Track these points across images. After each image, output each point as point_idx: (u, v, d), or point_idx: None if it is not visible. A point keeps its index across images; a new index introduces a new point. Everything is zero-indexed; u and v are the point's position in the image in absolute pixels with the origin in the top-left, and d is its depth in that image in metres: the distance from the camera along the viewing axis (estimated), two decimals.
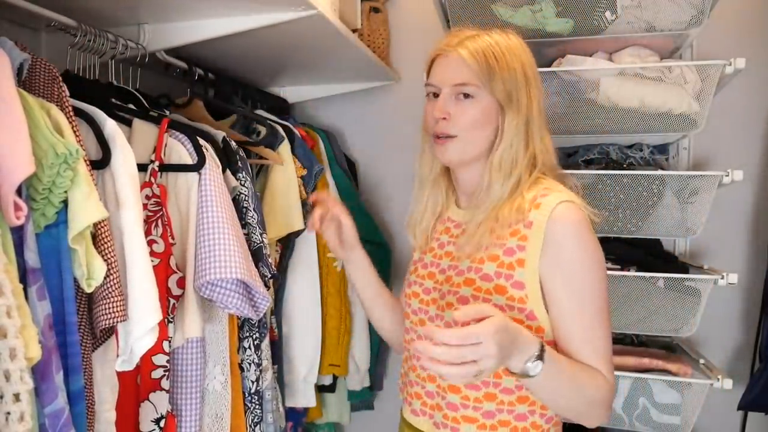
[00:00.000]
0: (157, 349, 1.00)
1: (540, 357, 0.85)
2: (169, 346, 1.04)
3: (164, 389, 1.03)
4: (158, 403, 1.02)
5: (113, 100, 1.14)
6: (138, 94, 1.23)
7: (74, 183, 0.78)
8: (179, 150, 1.10)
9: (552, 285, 0.97)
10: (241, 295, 1.08)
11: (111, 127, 0.94)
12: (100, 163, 0.92)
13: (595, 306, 0.97)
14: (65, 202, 0.78)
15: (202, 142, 1.13)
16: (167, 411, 1.03)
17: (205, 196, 1.07)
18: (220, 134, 1.25)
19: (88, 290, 0.81)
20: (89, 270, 0.80)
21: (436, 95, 1.05)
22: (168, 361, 1.03)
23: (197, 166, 1.08)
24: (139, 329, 0.88)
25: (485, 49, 1.00)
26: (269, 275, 1.25)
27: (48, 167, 0.73)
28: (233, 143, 1.26)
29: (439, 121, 1.02)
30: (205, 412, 1.11)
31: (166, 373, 1.03)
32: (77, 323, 0.81)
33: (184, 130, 1.13)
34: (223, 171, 1.17)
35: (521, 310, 0.97)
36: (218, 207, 1.07)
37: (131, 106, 1.17)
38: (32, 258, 0.73)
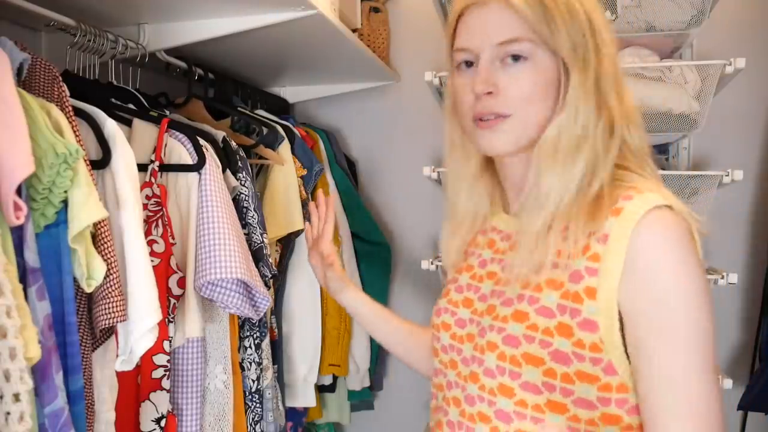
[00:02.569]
0: (157, 348, 1.00)
1: None
2: (170, 346, 1.04)
3: (165, 389, 1.03)
4: (159, 402, 1.02)
5: (113, 100, 1.14)
6: (138, 94, 1.23)
7: (74, 183, 0.78)
8: (179, 150, 1.10)
9: (635, 326, 0.68)
10: (242, 295, 1.08)
11: (111, 127, 0.94)
12: (100, 163, 0.92)
13: (698, 357, 0.67)
14: (65, 202, 0.77)
15: (202, 142, 1.12)
16: (168, 411, 1.03)
17: (205, 196, 1.07)
18: (220, 134, 1.25)
19: (88, 290, 0.81)
20: (89, 270, 0.80)
21: (469, 64, 0.78)
22: (168, 361, 1.03)
23: (197, 166, 1.08)
24: (138, 329, 0.88)
25: None
26: (270, 275, 1.25)
27: (48, 167, 0.73)
28: (233, 143, 1.26)
29: (482, 97, 0.75)
30: (206, 411, 1.11)
31: (167, 373, 1.03)
32: (77, 323, 0.80)
33: (184, 130, 1.13)
34: (223, 171, 1.17)
35: (595, 362, 0.69)
36: (218, 207, 1.07)
37: (131, 106, 1.17)
38: (32, 258, 0.73)
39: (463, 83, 0.79)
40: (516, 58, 0.74)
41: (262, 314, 1.13)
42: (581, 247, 0.71)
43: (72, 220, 0.77)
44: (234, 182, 1.22)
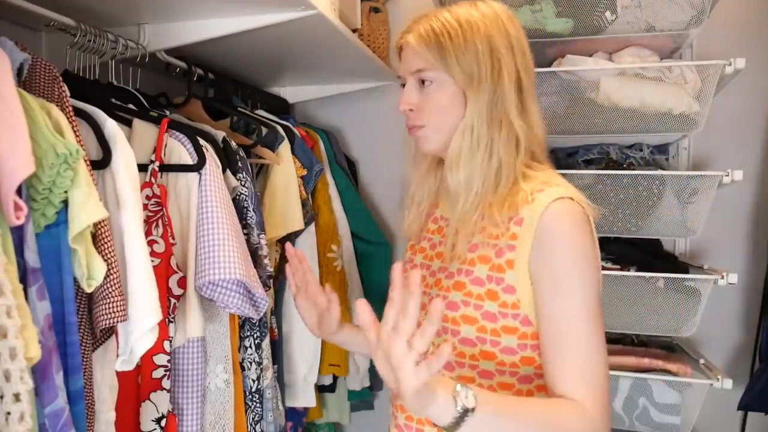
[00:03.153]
0: (158, 348, 1.00)
1: (457, 424, 0.71)
2: (170, 346, 1.04)
3: (165, 389, 1.03)
4: (159, 402, 1.03)
5: (113, 100, 1.13)
6: (138, 95, 1.23)
7: (74, 183, 0.78)
8: (179, 150, 1.10)
9: (541, 292, 0.87)
10: (242, 295, 1.09)
11: (111, 127, 0.94)
12: (101, 163, 0.93)
13: (588, 320, 0.85)
14: (65, 202, 0.78)
15: (202, 142, 1.13)
16: (168, 410, 1.03)
17: (205, 196, 1.07)
18: (220, 134, 1.25)
19: (89, 290, 0.81)
20: (89, 270, 0.80)
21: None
22: (169, 361, 1.03)
23: (197, 167, 1.08)
24: (139, 329, 0.88)
25: (438, 28, 0.92)
26: (266, 275, 1.25)
27: (48, 167, 0.73)
28: (233, 143, 1.26)
29: (407, 112, 0.98)
30: (207, 410, 1.11)
31: (167, 373, 1.03)
32: (77, 323, 0.81)
33: (184, 130, 1.13)
34: (223, 171, 1.17)
35: (515, 317, 0.89)
36: (218, 207, 1.07)
37: (131, 106, 1.17)
38: (32, 258, 0.73)
39: None
40: (424, 82, 0.95)
41: (262, 314, 1.14)
42: (504, 229, 0.90)
43: (72, 220, 0.77)
44: (234, 182, 1.22)
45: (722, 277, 1.49)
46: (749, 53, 1.52)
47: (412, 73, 0.96)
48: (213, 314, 1.15)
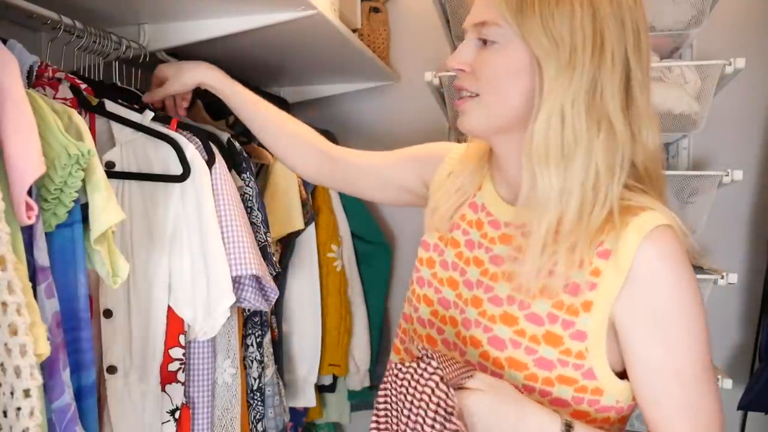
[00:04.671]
0: (173, 342, 1.04)
1: None
2: (185, 340, 1.07)
3: (180, 381, 1.05)
4: (174, 394, 1.05)
5: (120, 101, 1.13)
6: (141, 95, 1.23)
7: (95, 186, 0.80)
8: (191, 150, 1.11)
9: (637, 339, 0.71)
10: (255, 289, 1.11)
11: (191, 150, 1.05)
12: (181, 177, 1.03)
13: (697, 364, 0.72)
14: (76, 202, 0.79)
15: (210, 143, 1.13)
16: (183, 402, 1.06)
17: (217, 193, 1.08)
18: (224, 135, 1.26)
19: (114, 287, 0.83)
20: (114, 268, 0.82)
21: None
22: (184, 354, 1.06)
23: (208, 163, 1.09)
24: (220, 308, 1.02)
25: None
26: (274, 273, 1.26)
27: (60, 168, 0.75)
28: (237, 143, 1.27)
29: (459, 73, 0.77)
30: (216, 404, 1.14)
31: (183, 366, 1.06)
32: (90, 319, 0.83)
33: (192, 130, 1.14)
34: (229, 171, 1.18)
35: (577, 367, 0.72)
36: (231, 204, 1.08)
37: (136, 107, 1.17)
38: (41, 257, 0.75)
39: None
40: (488, 41, 0.74)
41: (272, 304, 1.16)
42: (581, 259, 0.71)
43: (94, 222, 0.79)
44: (240, 182, 1.23)
45: (722, 277, 1.49)
46: (749, 53, 1.52)
47: (475, 25, 0.75)
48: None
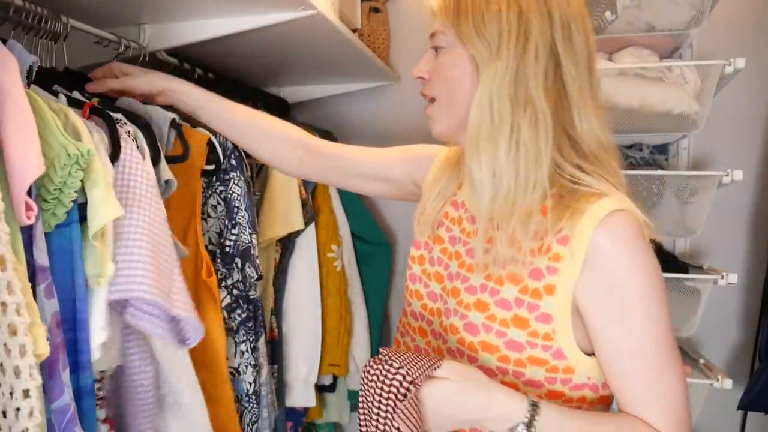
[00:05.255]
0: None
1: (529, 425, 0.71)
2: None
3: (99, 419, 0.90)
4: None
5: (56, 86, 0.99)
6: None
7: (93, 182, 0.79)
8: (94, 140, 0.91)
9: (598, 318, 0.75)
10: (157, 318, 0.87)
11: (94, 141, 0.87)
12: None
13: (657, 342, 0.75)
14: (75, 202, 0.79)
15: (123, 129, 0.93)
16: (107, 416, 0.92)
17: (117, 194, 0.86)
18: (168, 117, 1.08)
19: (98, 287, 0.81)
20: (103, 268, 0.81)
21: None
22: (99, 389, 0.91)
23: (111, 158, 0.88)
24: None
25: None
26: (256, 276, 1.23)
27: (60, 168, 0.75)
28: (228, 142, 1.25)
29: (423, 81, 0.87)
30: (178, 427, 1.00)
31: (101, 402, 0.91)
32: (88, 321, 0.82)
33: (105, 116, 0.93)
34: (157, 162, 0.99)
35: (546, 348, 0.77)
36: (131, 208, 0.87)
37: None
38: (41, 257, 0.74)
39: None
40: (438, 48, 0.84)
41: (193, 344, 0.92)
42: (543, 246, 0.77)
43: (92, 219, 0.79)
44: (167, 176, 1.01)
45: (722, 277, 1.49)
46: (749, 53, 1.52)
47: (430, 38, 0.85)
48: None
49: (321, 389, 1.77)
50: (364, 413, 0.77)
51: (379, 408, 0.74)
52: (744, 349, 1.86)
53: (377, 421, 0.74)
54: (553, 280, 0.76)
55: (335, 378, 1.79)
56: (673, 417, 0.75)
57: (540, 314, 0.77)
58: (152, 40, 1.29)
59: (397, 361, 0.74)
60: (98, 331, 0.82)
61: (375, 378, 0.75)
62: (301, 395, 1.60)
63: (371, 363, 0.76)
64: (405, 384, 0.73)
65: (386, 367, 0.74)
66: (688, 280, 1.55)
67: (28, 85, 0.83)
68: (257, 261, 1.24)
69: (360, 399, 0.78)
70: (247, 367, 1.26)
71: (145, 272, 0.85)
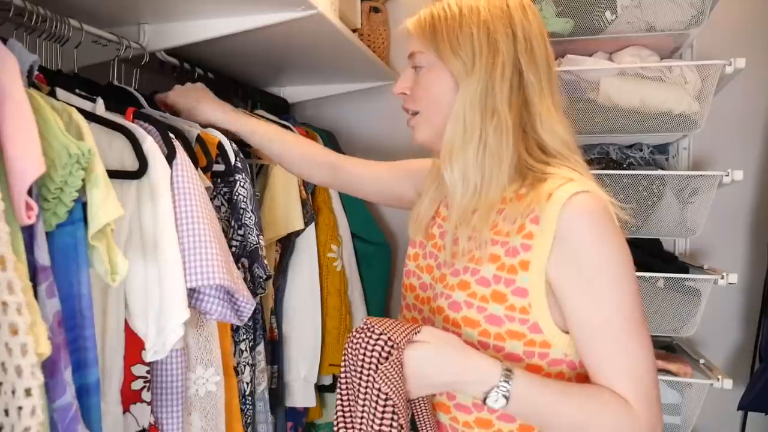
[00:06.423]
0: (135, 358, 0.94)
1: (502, 388, 0.76)
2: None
3: (145, 401, 0.97)
4: (139, 415, 0.97)
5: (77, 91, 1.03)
6: (137, 94, 1.23)
7: (93, 183, 0.79)
8: (149, 142, 0.98)
9: (567, 292, 0.81)
10: (223, 301, 1.00)
11: (150, 143, 0.96)
12: (137, 173, 0.94)
13: (624, 315, 0.79)
14: (76, 201, 0.79)
15: (171, 135, 1.02)
16: (150, 423, 0.98)
17: (178, 191, 0.96)
18: (194, 131, 1.16)
19: (114, 285, 0.82)
20: (112, 265, 0.82)
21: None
22: (148, 372, 0.97)
23: (168, 158, 0.97)
24: (171, 324, 0.91)
25: (437, 13, 0.90)
26: (264, 276, 1.24)
27: (61, 167, 0.75)
28: (233, 144, 1.26)
29: (403, 97, 0.97)
30: (197, 415, 1.05)
31: (147, 385, 0.97)
32: (93, 318, 0.82)
33: (151, 121, 1.03)
34: (204, 171, 1.10)
35: (523, 322, 0.83)
36: (193, 204, 0.97)
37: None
38: (42, 256, 0.74)
39: None
40: (417, 67, 0.93)
41: (246, 319, 1.04)
42: (518, 226, 0.84)
43: (92, 219, 0.79)
44: (208, 182, 1.11)
45: (722, 277, 1.49)
46: (749, 53, 1.52)
47: (409, 57, 0.95)
48: (198, 320, 1.06)
49: (321, 389, 1.77)
50: (346, 379, 0.82)
51: (361, 371, 0.80)
52: (744, 349, 1.86)
53: (359, 383, 0.80)
54: (527, 256, 0.83)
55: (335, 378, 1.79)
56: (641, 387, 0.78)
57: (516, 288, 0.83)
58: (152, 40, 1.29)
59: (379, 327, 0.80)
60: (183, 310, 0.90)
61: (358, 345, 0.80)
62: (301, 395, 1.60)
63: (354, 331, 0.82)
64: (386, 348, 0.78)
65: (368, 333, 0.80)
66: (688, 280, 1.55)
67: (29, 85, 0.83)
68: (264, 261, 1.25)
69: (342, 366, 0.83)
70: (245, 366, 1.26)
71: (218, 261, 0.95)
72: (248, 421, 1.27)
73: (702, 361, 1.63)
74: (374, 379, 0.78)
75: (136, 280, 0.92)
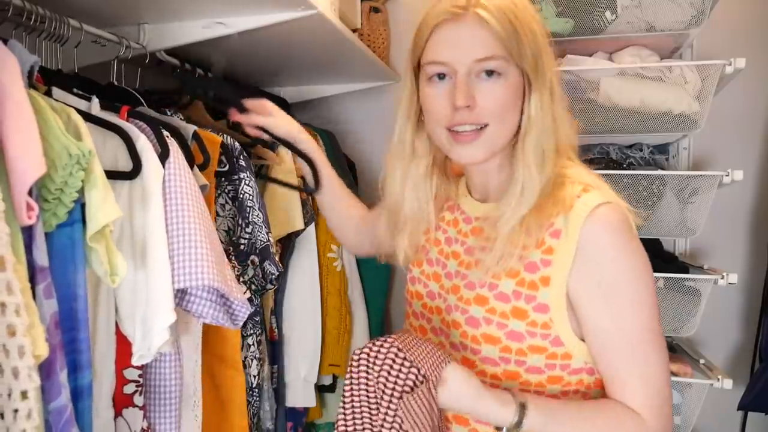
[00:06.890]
0: (127, 362, 0.91)
1: (518, 424, 0.76)
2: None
3: (137, 406, 0.95)
4: (132, 420, 0.94)
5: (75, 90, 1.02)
6: (136, 93, 1.23)
7: (92, 184, 0.79)
8: (142, 141, 0.96)
9: (588, 308, 0.80)
10: (215, 303, 0.96)
11: (143, 142, 0.93)
12: (131, 174, 0.91)
13: (644, 333, 0.79)
14: (76, 202, 0.79)
15: (166, 133, 0.99)
16: (142, 428, 0.96)
17: (170, 191, 0.93)
18: (190, 128, 1.12)
19: (113, 286, 0.82)
20: (112, 267, 0.82)
21: (441, 76, 0.83)
22: (140, 376, 0.96)
23: (161, 157, 0.94)
24: (156, 328, 0.88)
25: (504, 6, 0.79)
26: (276, 273, 1.25)
27: (61, 168, 0.75)
28: (236, 143, 1.26)
29: (460, 109, 0.81)
30: (191, 415, 1.05)
31: (139, 389, 0.95)
32: (88, 320, 0.82)
33: (146, 119, 1.00)
34: (191, 167, 1.04)
35: (545, 336, 0.81)
36: (185, 204, 0.93)
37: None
38: (40, 257, 0.74)
39: (436, 94, 0.84)
40: (490, 73, 0.81)
41: (240, 323, 1.00)
42: (536, 240, 0.81)
43: (90, 220, 0.78)
44: (203, 180, 1.08)
45: (722, 277, 1.49)
46: (749, 53, 1.52)
47: (477, 61, 0.80)
48: (191, 322, 1.06)
49: (321, 389, 1.77)
50: (351, 391, 0.78)
51: (383, 394, 0.76)
52: (744, 349, 1.86)
53: (375, 403, 0.76)
54: (547, 271, 0.80)
55: (335, 378, 1.78)
56: (655, 401, 0.78)
57: (537, 305, 0.81)
58: (152, 40, 1.29)
59: (409, 353, 0.76)
60: (168, 313, 0.86)
61: (382, 365, 0.76)
62: (301, 395, 1.60)
63: (374, 345, 0.77)
64: (417, 381, 0.75)
65: (397, 358, 0.76)
66: (688, 280, 1.55)
67: (29, 85, 0.83)
68: (276, 257, 1.26)
69: (353, 375, 0.78)
70: (252, 360, 1.27)
71: (208, 262, 0.91)
72: (254, 411, 1.29)
73: (702, 361, 1.63)
74: (394, 407, 0.75)
75: (125, 283, 0.88)
